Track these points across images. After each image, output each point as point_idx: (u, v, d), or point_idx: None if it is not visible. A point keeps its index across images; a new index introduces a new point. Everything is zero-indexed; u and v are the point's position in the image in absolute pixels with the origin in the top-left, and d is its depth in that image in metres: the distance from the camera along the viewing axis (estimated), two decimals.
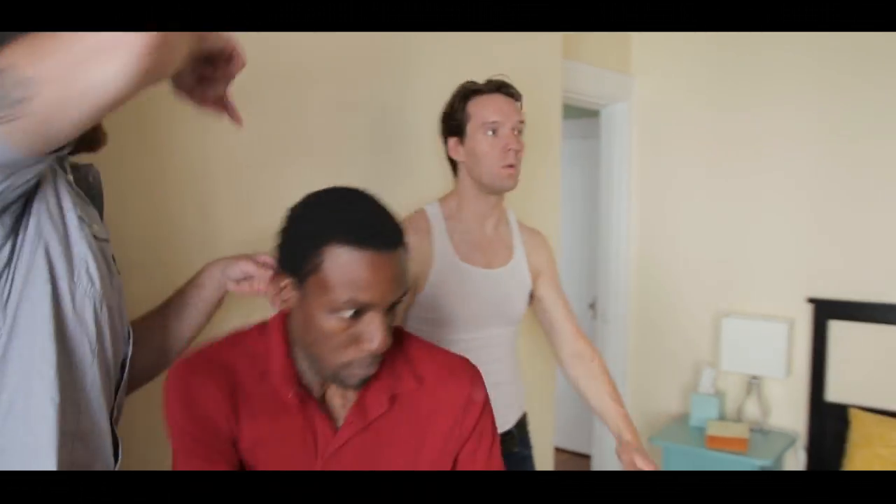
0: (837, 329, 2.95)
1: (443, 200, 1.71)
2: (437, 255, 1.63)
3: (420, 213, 1.67)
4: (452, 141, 1.63)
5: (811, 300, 2.98)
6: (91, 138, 0.97)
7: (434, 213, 1.68)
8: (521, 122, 1.63)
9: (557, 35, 2.51)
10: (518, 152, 1.61)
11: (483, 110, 1.59)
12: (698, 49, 3.22)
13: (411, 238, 1.20)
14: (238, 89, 1.01)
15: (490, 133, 1.58)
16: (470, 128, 1.60)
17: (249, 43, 1.00)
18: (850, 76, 2.89)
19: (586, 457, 3.82)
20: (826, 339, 2.95)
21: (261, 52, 1.25)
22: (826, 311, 2.95)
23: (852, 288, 2.92)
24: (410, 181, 1.94)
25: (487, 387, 1.18)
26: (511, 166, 1.59)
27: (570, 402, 4.14)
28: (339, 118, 1.73)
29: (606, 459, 3.51)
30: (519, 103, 1.64)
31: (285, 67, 1.59)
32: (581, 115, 3.97)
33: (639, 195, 3.42)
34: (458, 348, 1.44)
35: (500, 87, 1.62)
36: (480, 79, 1.65)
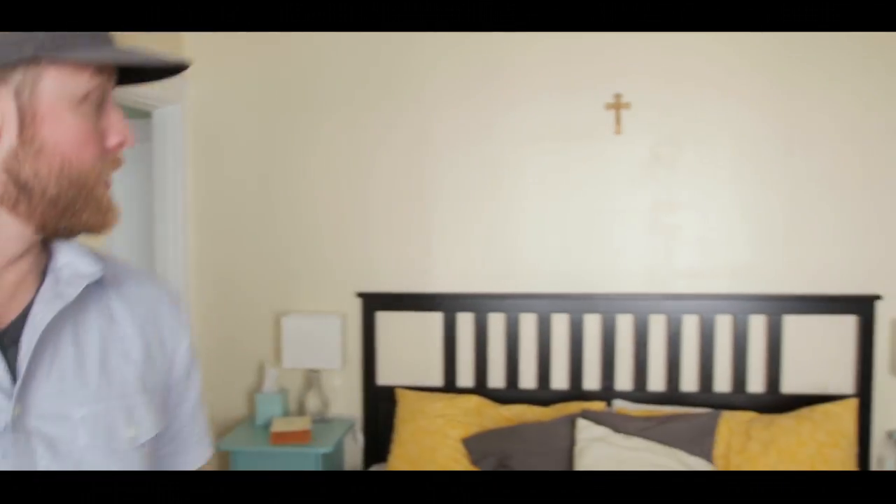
0: (383, 319, 3.25)
1: None
2: None
3: None
4: None
5: (360, 294, 3.24)
6: None
7: None
8: None
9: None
10: None
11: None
12: (252, 50, 3.28)
13: None
14: None
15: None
16: None
17: None
18: (407, 80, 3.21)
19: None
20: (374, 329, 3.24)
21: None
22: (373, 303, 3.23)
23: (393, 281, 3.25)
24: None
25: None
26: None
27: None
28: None
29: None
30: None
31: None
32: (133, 115, 3.76)
33: (195, 198, 3.37)
34: None
35: None
36: None
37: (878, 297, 3.02)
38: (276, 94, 3.28)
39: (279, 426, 3.00)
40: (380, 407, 3.23)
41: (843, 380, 3.09)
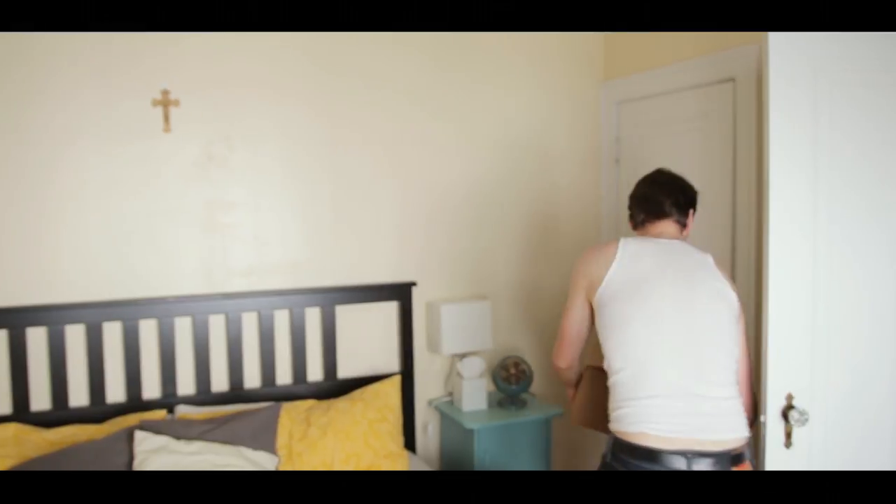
0: None
1: None
2: None
3: None
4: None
5: None
6: None
7: None
8: None
9: None
10: None
11: None
12: None
13: None
14: None
15: None
16: None
17: None
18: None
19: None
20: None
21: None
22: None
23: None
24: None
25: None
26: None
27: None
28: None
29: None
30: None
31: None
32: None
33: None
34: None
35: None
36: None
37: (413, 284, 3.41)
38: None
39: None
40: None
41: (391, 359, 3.42)
